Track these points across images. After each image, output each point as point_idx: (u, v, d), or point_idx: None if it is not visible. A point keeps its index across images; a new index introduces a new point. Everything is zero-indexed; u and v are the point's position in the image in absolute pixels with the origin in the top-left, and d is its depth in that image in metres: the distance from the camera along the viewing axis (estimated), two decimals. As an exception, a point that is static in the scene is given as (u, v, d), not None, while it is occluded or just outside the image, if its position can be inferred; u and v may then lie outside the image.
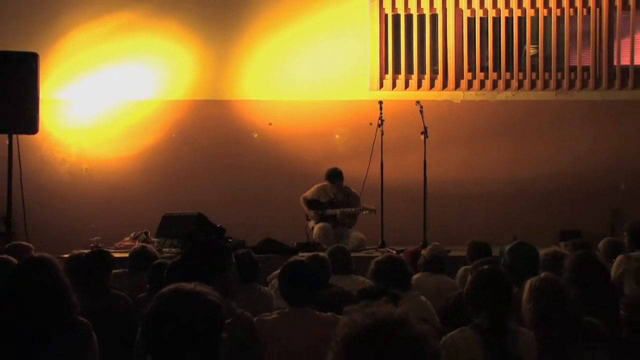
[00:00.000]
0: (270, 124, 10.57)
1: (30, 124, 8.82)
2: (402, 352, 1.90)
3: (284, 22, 10.51)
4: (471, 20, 10.58)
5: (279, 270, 4.61)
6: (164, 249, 8.34)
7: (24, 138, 9.11)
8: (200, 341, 2.51)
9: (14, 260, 4.91)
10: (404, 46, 10.55)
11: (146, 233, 9.15)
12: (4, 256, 5.35)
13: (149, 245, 6.95)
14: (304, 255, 6.27)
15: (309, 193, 9.41)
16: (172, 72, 10.60)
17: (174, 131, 10.56)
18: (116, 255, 6.82)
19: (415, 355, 1.91)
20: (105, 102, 10.51)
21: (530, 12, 10.51)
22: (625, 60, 10.49)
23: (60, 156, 10.53)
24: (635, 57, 10.48)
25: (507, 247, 5.18)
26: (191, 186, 10.26)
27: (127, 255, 8.24)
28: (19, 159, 8.89)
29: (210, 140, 10.51)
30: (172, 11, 10.50)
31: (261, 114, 10.56)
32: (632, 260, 5.88)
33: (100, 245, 8.49)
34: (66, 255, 6.65)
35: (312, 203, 9.35)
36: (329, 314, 4.15)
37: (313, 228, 9.22)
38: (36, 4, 10.40)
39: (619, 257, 6.01)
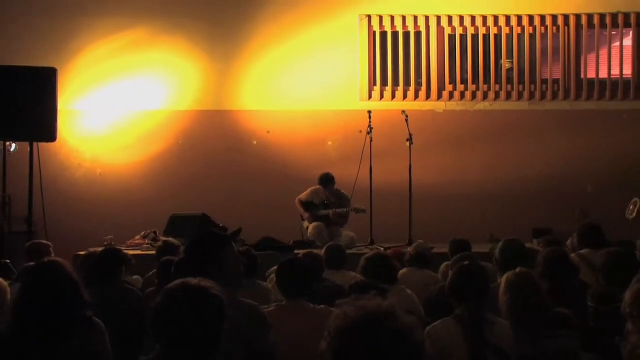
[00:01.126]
0: (268, 132, 10.55)
1: (49, 132, 8.82)
2: (390, 342, 1.89)
3: (281, 39, 10.50)
4: (452, 37, 10.59)
5: (276, 266, 4.60)
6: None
7: (43, 145, 9.16)
8: (203, 332, 2.50)
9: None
10: (391, 60, 10.54)
11: (155, 232, 9.13)
12: (31, 264, 5.36)
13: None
14: (299, 252, 6.28)
15: (303, 195, 9.39)
16: (178, 84, 10.57)
17: (180, 139, 10.54)
18: (127, 252, 6.78)
19: (403, 345, 1.90)
20: (117, 112, 10.48)
21: (505, 30, 10.53)
22: (591, 74, 10.53)
23: (76, 162, 10.50)
24: (600, 70, 10.52)
25: (499, 244, 5.16)
26: (196, 189, 10.23)
27: (137, 252, 8.29)
28: (39, 165, 8.93)
29: (213, 147, 10.48)
30: (179, 29, 10.47)
31: (260, 122, 10.55)
32: (581, 258, 5.80)
33: (112, 243, 8.47)
34: (82, 253, 6.65)
35: (306, 205, 9.33)
36: (322, 306, 4.14)
37: (307, 227, 9.20)
38: (55, 23, 10.37)
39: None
